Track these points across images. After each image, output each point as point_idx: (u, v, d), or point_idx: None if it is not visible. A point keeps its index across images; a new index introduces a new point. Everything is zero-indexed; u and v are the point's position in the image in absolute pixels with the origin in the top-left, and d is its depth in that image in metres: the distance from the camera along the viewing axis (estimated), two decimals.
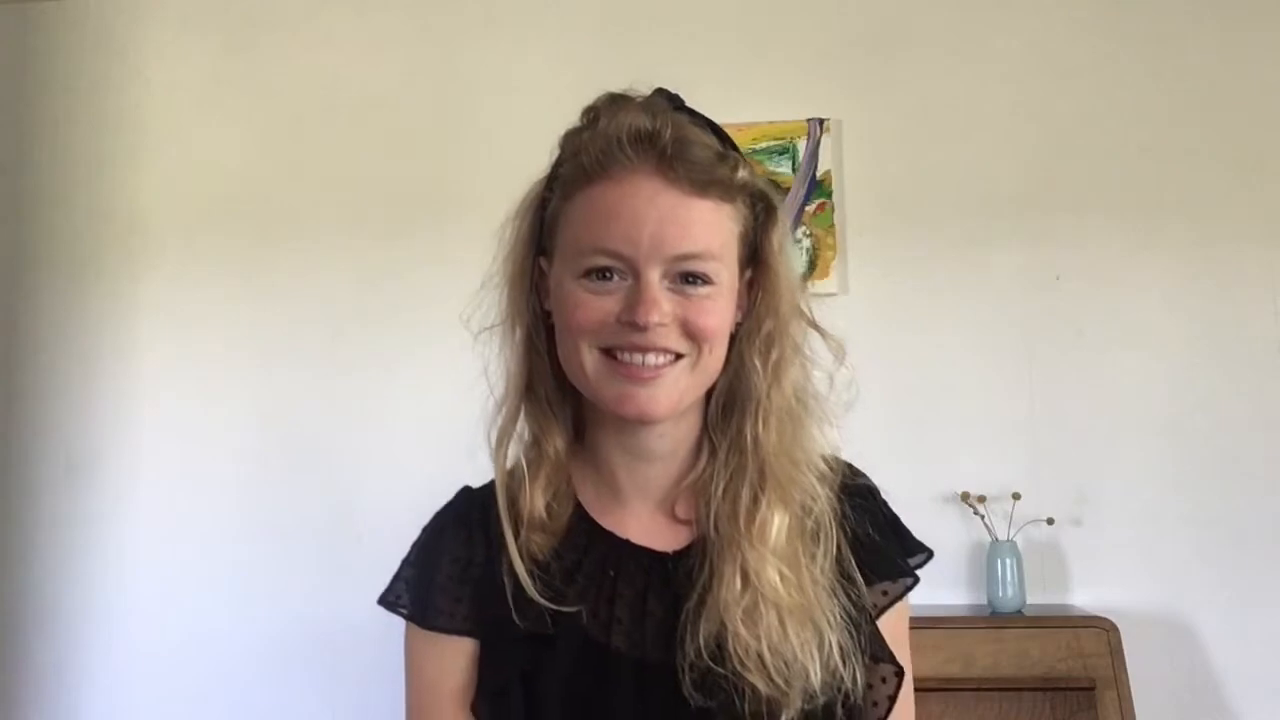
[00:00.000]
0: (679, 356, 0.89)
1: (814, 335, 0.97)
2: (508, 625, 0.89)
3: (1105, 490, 2.30)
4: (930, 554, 0.99)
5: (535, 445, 0.96)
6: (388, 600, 0.95)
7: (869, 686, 0.91)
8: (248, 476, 2.47)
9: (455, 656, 0.92)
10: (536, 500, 0.92)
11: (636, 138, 0.88)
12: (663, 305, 0.87)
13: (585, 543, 0.94)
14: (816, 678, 0.86)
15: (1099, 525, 2.29)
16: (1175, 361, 2.34)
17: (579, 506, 0.95)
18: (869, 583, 0.94)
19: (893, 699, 0.92)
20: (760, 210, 0.94)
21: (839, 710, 0.89)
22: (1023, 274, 2.38)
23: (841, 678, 0.87)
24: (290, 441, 2.47)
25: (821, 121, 2.37)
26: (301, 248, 2.52)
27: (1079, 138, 2.40)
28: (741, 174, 0.91)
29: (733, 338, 0.93)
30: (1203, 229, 2.36)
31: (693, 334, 0.89)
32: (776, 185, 1.02)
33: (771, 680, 0.86)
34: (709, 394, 0.95)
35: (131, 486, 2.50)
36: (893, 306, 2.37)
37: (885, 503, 1.00)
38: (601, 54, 2.46)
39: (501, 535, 0.91)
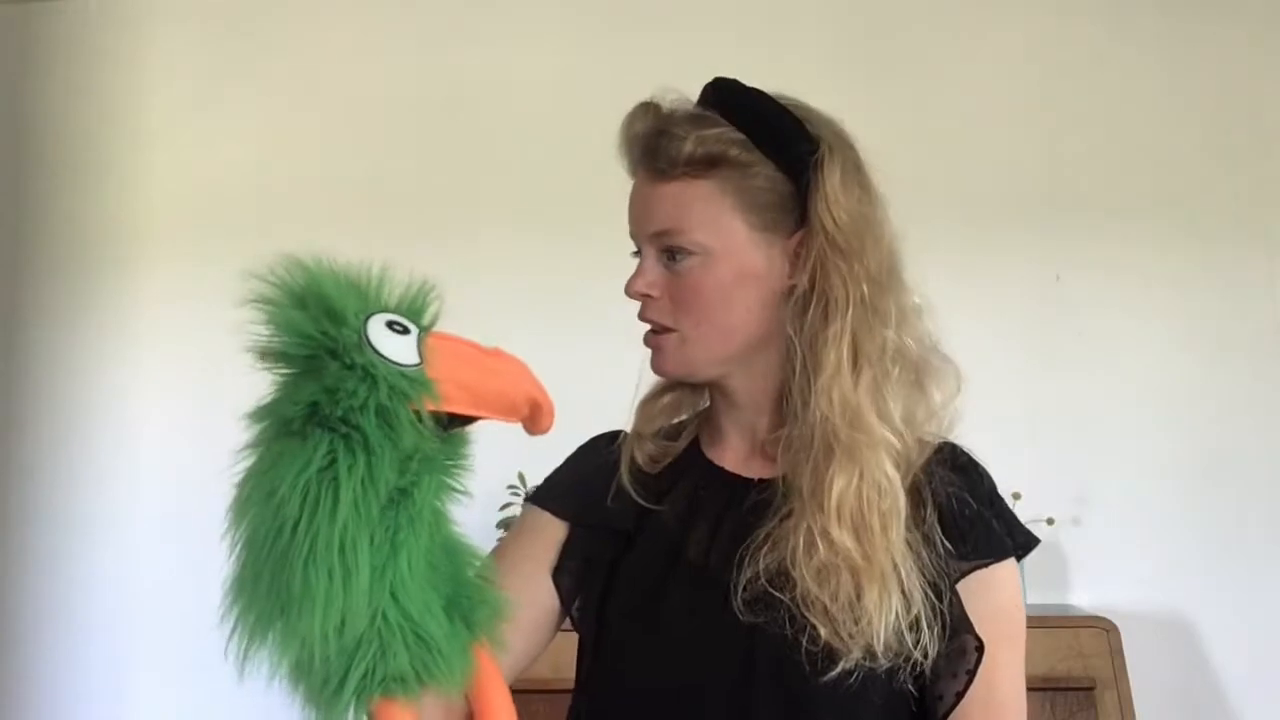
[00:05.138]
0: (671, 329, 1.01)
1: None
2: (603, 518, 1.06)
3: (1105, 490, 2.30)
4: (1036, 542, 1.01)
5: (675, 386, 1.10)
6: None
7: (949, 656, 0.94)
8: None
9: (546, 529, 1.08)
10: (657, 420, 1.09)
11: (629, 143, 1.03)
12: (647, 276, 1.01)
13: (688, 467, 1.07)
14: (880, 641, 0.90)
15: (1099, 525, 2.29)
16: (1175, 361, 2.34)
17: (695, 441, 1.09)
18: (956, 556, 0.96)
19: (972, 672, 0.94)
20: (807, 174, 0.99)
21: (903, 677, 0.93)
22: (1023, 274, 2.38)
23: (909, 647, 0.91)
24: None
25: None
26: (301, 247, 2.51)
27: (1079, 138, 2.40)
28: (713, 149, 0.99)
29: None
30: (1203, 228, 2.36)
31: (679, 306, 1.00)
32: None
33: (837, 633, 0.91)
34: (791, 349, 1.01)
35: (132, 487, 2.50)
36: None
37: (989, 484, 1.02)
38: (600, 55, 2.46)
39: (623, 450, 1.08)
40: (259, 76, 2.59)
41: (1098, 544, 2.29)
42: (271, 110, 2.58)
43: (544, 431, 0.86)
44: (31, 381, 2.55)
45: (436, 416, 0.79)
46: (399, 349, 0.77)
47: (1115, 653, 2.01)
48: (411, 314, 0.80)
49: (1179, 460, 2.31)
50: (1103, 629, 2.03)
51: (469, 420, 0.83)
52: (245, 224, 2.54)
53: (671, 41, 2.43)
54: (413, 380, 0.77)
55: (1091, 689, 1.98)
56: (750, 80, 1.04)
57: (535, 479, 2.02)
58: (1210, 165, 2.38)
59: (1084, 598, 2.27)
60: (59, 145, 2.60)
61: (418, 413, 0.77)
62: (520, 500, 2.13)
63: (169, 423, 2.50)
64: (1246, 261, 2.35)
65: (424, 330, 0.80)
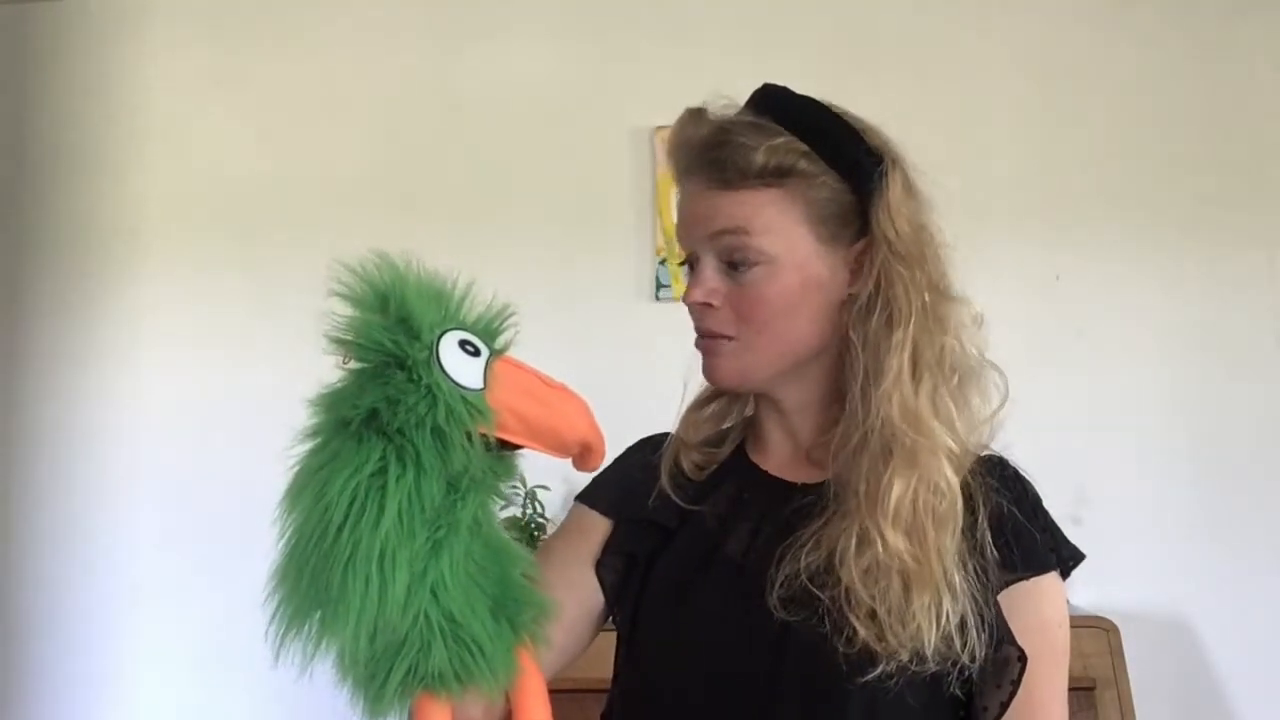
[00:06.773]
0: (731, 338, 1.00)
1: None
2: (645, 514, 1.07)
3: (1105, 490, 2.30)
4: (1081, 558, 1.03)
5: (721, 394, 1.12)
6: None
7: (993, 667, 0.94)
8: (249, 478, 2.47)
9: (591, 526, 1.10)
10: (704, 428, 1.10)
11: (682, 148, 1.02)
12: (707, 285, 1.00)
13: (732, 470, 1.08)
14: (929, 645, 0.90)
15: (1099, 525, 2.28)
16: (1175, 361, 2.34)
17: (741, 446, 1.10)
18: (1002, 566, 0.96)
19: (1016, 682, 0.94)
20: (869, 184, 1.01)
21: (950, 682, 0.92)
22: (1023, 274, 2.38)
23: (958, 651, 0.91)
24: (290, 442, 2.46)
25: None
26: (302, 248, 2.51)
27: (1078, 138, 2.40)
28: (784, 159, 0.98)
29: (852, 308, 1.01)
30: (1202, 229, 2.36)
31: (742, 316, 0.99)
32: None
33: (883, 636, 0.90)
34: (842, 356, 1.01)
35: (131, 487, 2.50)
36: None
37: (1034, 496, 1.04)
38: (599, 57, 2.46)
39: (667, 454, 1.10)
40: (259, 76, 2.58)
41: (1098, 544, 2.27)
42: (271, 109, 2.58)
43: (591, 470, 0.89)
44: (31, 380, 2.55)
45: (487, 439, 0.81)
46: (466, 371, 0.79)
47: (1115, 653, 2.01)
48: (485, 336, 0.82)
49: (1179, 460, 2.31)
50: (1103, 629, 2.03)
51: (519, 445, 0.84)
52: (245, 223, 2.54)
53: (669, 44, 2.43)
54: (472, 406, 0.78)
55: (1091, 689, 1.98)
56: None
57: (534, 480, 2.03)
58: (1210, 164, 2.37)
59: (1084, 598, 2.27)
60: (59, 145, 2.60)
61: (470, 435, 0.78)
62: (520, 501, 2.14)
63: (167, 423, 2.50)
64: (1246, 262, 2.35)
65: (494, 354, 0.82)
